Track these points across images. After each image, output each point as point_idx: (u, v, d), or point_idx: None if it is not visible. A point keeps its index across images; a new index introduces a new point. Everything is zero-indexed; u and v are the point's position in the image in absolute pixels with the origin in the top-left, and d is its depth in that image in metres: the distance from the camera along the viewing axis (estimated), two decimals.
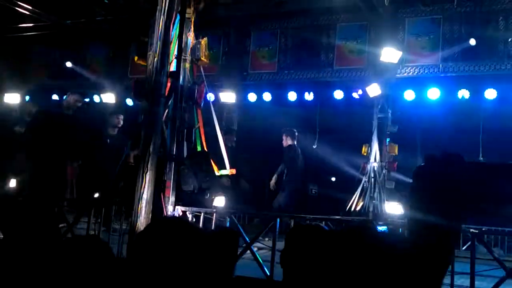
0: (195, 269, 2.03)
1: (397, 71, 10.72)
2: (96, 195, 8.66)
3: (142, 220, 6.32)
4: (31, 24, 13.68)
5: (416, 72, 10.81)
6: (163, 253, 2.09)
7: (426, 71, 10.74)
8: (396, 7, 10.75)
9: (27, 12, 12.88)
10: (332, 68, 11.56)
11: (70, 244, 2.44)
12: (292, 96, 11.68)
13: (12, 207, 3.58)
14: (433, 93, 10.44)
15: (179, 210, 6.77)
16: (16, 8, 12.55)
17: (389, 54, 10.16)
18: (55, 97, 13.98)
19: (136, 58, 7.57)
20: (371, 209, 10.09)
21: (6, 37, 14.14)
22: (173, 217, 6.17)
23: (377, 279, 1.56)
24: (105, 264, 2.43)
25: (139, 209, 6.36)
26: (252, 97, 12.06)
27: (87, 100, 12.75)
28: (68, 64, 13.82)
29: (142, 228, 5.52)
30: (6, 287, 2.70)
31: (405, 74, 10.83)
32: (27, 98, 14.47)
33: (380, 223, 7.42)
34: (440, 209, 1.92)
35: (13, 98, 14.53)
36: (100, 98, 13.28)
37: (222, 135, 8.30)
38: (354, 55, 11.39)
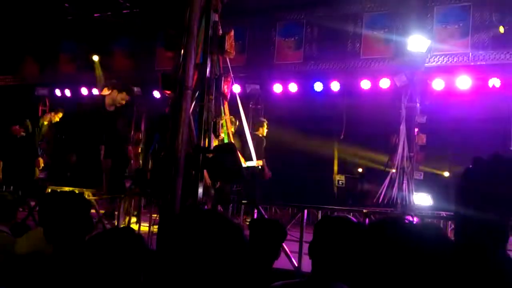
0: (227, 261, 2.04)
1: (425, 60, 10.55)
2: (127, 185, 8.79)
3: (172, 211, 6.38)
4: (59, 18, 13.92)
5: (445, 61, 10.62)
6: (195, 244, 2.10)
7: (455, 60, 10.53)
8: None
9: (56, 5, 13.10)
10: (359, 58, 11.43)
11: (105, 237, 2.49)
12: (318, 86, 11.59)
13: (49, 198, 3.68)
14: (463, 82, 10.24)
15: (206, 201, 6.83)
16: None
17: (417, 43, 10.01)
18: (84, 90, 14.19)
19: (163, 50, 7.61)
20: (399, 200, 9.99)
21: (37, 30, 14.42)
22: (206, 209, 6.22)
23: (410, 278, 1.54)
24: (139, 257, 2.47)
25: (167, 201, 6.42)
26: (277, 88, 12.03)
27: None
28: (95, 57, 13.99)
29: (171, 220, 5.58)
30: (45, 278, 2.78)
31: (434, 63, 10.65)
32: (57, 91, 14.73)
33: (411, 213, 7.34)
34: (492, 209, 1.88)
35: (43, 91, 14.85)
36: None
37: (248, 127, 8.31)
38: (381, 44, 11.24)
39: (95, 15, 13.49)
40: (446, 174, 12.18)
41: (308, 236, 6.45)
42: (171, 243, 2.20)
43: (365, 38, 11.42)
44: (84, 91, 14.19)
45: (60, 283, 2.81)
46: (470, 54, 10.39)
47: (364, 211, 6.69)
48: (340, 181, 12.26)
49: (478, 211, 1.88)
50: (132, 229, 2.77)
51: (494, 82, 10.08)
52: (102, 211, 7.70)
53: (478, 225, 1.88)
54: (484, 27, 10.31)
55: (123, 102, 8.62)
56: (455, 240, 1.99)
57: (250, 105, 12.12)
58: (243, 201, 7.28)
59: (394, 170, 10.21)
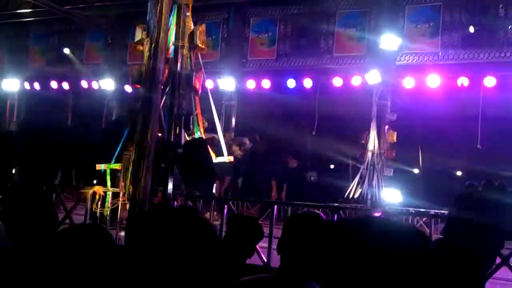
0: (197, 258, 2.02)
1: (396, 58, 10.68)
2: (94, 182, 8.65)
3: (140, 206, 6.32)
4: (29, 10, 13.61)
5: (415, 60, 10.76)
6: (163, 239, 2.07)
7: (425, 59, 10.70)
8: None
9: None
10: (331, 55, 11.50)
11: (71, 233, 2.43)
12: (291, 83, 11.62)
13: (9, 194, 3.58)
14: (433, 81, 10.40)
15: (176, 196, 6.79)
16: None
17: (389, 41, 10.12)
18: (53, 84, 13.93)
19: (133, 44, 7.53)
20: (369, 196, 10.10)
21: (5, 23, 14.07)
22: (178, 205, 6.18)
23: (379, 277, 1.53)
24: (107, 253, 2.42)
25: (136, 196, 6.37)
26: (251, 84, 12.01)
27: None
28: (66, 50, 13.75)
29: (140, 215, 5.52)
30: (7, 276, 2.70)
31: (405, 62, 10.79)
32: (26, 84, 14.43)
33: (378, 209, 7.43)
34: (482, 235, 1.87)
35: (12, 84, 14.52)
36: (99, 85, 13.23)
37: (219, 123, 8.29)
38: (353, 42, 11.34)
39: (65, 7, 13.22)
40: (416, 171, 12.36)
41: (277, 232, 6.48)
42: (140, 239, 2.17)
43: (337, 35, 11.49)
44: (54, 84, 13.92)
45: (24, 280, 2.74)
46: (440, 53, 10.55)
47: (334, 206, 6.74)
48: (311, 177, 12.33)
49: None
50: (100, 225, 2.72)
51: (463, 81, 10.25)
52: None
53: (476, 229, 1.88)
54: (454, 27, 10.48)
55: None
56: (442, 239, 1.99)
57: (223, 102, 12.05)
58: (213, 196, 7.25)
59: (364, 167, 10.30)
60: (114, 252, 2.46)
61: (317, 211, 3.07)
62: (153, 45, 6.67)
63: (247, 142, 10.67)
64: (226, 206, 7.03)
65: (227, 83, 11.77)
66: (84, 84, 13.53)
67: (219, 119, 8.41)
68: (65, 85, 13.87)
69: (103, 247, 2.38)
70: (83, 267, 2.29)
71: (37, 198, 3.37)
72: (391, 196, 10.30)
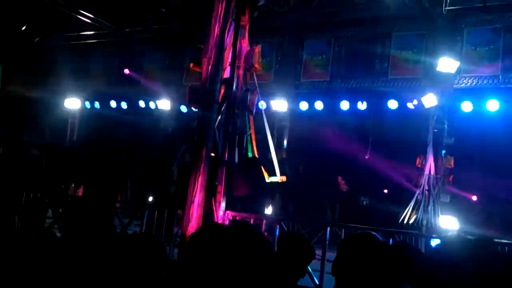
0: (253, 275, 2.02)
1: (454, 81, 10.42)
2: (150, 198, 8.85)
3: (194, 223, 6.39)
4: (91, 32, 14.24)
5: (474, 83, 10.47)
6: (218, 257, 2.08)
7: (485, 82, 10.38)
8: (454, 16, 10.45)
9: (89, 21, 13.43)
10: (386, 78, 11.36)
11: (126, 242, 2.50)
12: (344, 105, 11.53)
13: (71, 207, 3.71)
14: (492, 105, 10.07)
15: (229, 215, 6.82)
16: (78, 17, 13.10)
17: (446, 64, 9.90)
18: (112, 103, 14.42)
19: (191, 64, 7.70)
20: (424, 222, 9.81)
21: (68, 44, 14.75)
22: (238, 221, 6.21)
23: None
24: (159, 263, 2.46)
25: (190, 213, 6.45)
26: (303, 105, 12.01)
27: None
28: (126, 71, 14.22)
29: (192, 231, 5.57)
30: (64, 281, 2.79)
31: (463, 85, 10.51)
32: (87, 103, 15.02)
33: (434, 235, 7.20)
34: None
35: (73, 103, 15.15)
36: (156, 105, 13.60)
37: (273, 143, 8.31)
38: (409, 65, 11.16)
39: (126, 30, 13.74)
40: (474, 197, 11.92)
41: (330, 255, 6.38)
42: (194, 257, 2.18)
43: (393, 58, 11.36)
44: (113, 104, 14.42)
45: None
46: (500, 76, 10.23)
47: (389, 230, 6.58)
48: (364, 201, 12.11)
49: None
50: (153, 236, 2.78)
51: None
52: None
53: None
54: None
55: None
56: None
57: (276, 122, 12.10)
58: (264, 215, 7.23)
59: (420, 192, 10.03)
60: (166, 264, 2.49)
61: (373, 232, 3.01)
62: (210, 66, 6.81)
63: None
64: (278, 226, 7.00)
65: (279, 104, 11.82)
66: (141, 103, 13.94)
67: (272, 139, 8.42)
68: (124, 105, 14.34)
69: (155, 257, 2.42)
70: (137, 275, 2.34)
71: (97, 212, 3.48)
72: (448, 223, 9.95)
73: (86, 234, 3.31)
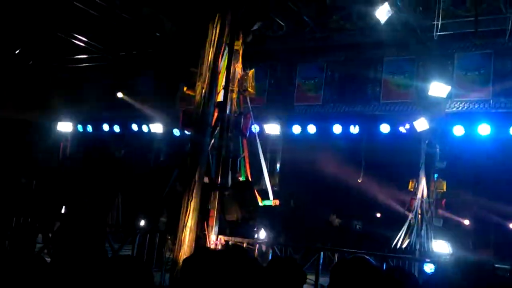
0: None
1: (445, 106, 10.51)
2: (142, 223, 8.76)
3: (186, 248, 6.33)
4: (85, 56, 14.28)
5: (465, 107, 10.56)
6: (212, 281, 2.06)
7: (476, 106, 10.48)
8: (445, 41, 10.58)
9: (83, 44, 13.48)
10: (378, 102, 11.43)
11: (114, 263, 2.46)
12: (337, 129, 11.58)
13: (61, 230, 3.65)
14: (484, 129, 10.15)
15: (221, 239, 6.76)
16: (73, 40, 13.15)
17: (438, 88, 10.00)
18: (105, 127, 14.39)
19: (185, 88, 7.73)
20: (417, 246, 9.77)
21: (62, 68, 14.77)
22: (231, 246, 6.15)
23: None
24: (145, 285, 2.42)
25: (183, 237, 6.39)
26: (296, 129, 12.04)
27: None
28: (119, 94, 14.23)
29: (185, 257, 5.51)
30: None
31: (454, 109, 10.60)
32: (79, 127, 14.97)
33: (427, 260, 7.16)
34: None
35: (65, 126, 15.10)
36: (149, 128, 13.58)
37: (266, 166, 8.30)
38: (401, 89, 11.25)
39: (120, 53, 13.79)
40: (466, 222, 11.92)
41: (323, 280, 6.32)
42: (188, 280, 2.16)
43: (385, 82, 11.45)
44: (105, 127, 14.40)
45: None
46: (491, 101, 10.33)
47: (383, 254, 6.54)
48: (357, 225, 12.07)
49: None
50: (141, 259, 2.74)
51: None
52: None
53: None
54: (506, 74, 10.27)
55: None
56: None
57: (269, 146, 12.10)
58: (257, 240, 7.18)
59: (413, 216, 10.02)
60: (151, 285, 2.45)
61: (366, 257, 2.99)
62: (203, 89, 6.83)
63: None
64: (271, 251, 6.94)
65: (273, 128, 11.85)
66: (134, 127, 13.92)
67: (265, 162, 8.42)
68: (116, 128, 14.32)
69: (143, 281, 2.38)
70: None
71: (88, 236, 3.44)
72: (441, 247, 9.93)
73: (76, 258, 3.26)
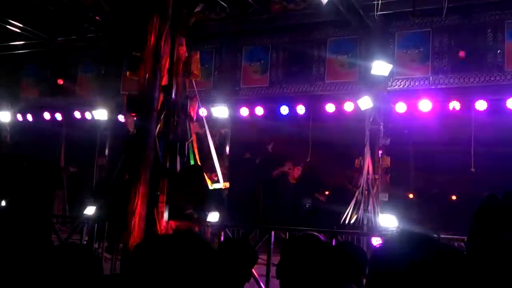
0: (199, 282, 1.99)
1: (388, 84, 10.79)
2: (90, 212, 8.57)
3: (136, 235, 6.26)
4: (22, 42, 13.71)
5: (406, 85, 10.88)
6: (163, 266, 2.05)
7: (416, 84, 10.81)
8: (386, 21, 10.84)
9: (18, 30, 12.92)
10: (323, 82, 11.61)
11: (61, 251, 2.40)
12: (284, 110, 11.68)
13: (3, 219, 3.52)
14: (424, 105, 10.49)
15: (172, 224, 6.73)
16: (7, 26, 12.58)
17: (380, 67, 10.24)
18: (46, 115, 13.92)
19: (128, 73, 7.57)
20: (365, 221, 10.07)
21: None
22: (182, 229, 6.12)
23: None
24: (94, 276, 2.38)
25: (132, 224, 6.31)
26: (244, 111, 12.06)
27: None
28: (60, 81, 13.79)
29: (135, 243, 5.45)
30: None
31: (396, 87, 10.90)
32: (19, 116, 14.41)
33: (375, 234, 7.39)
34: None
35: (4, 116, 14.50)
36: (92, 115, 13.24)
37: (215, 150, 8.29)
38: (345, 69, 11.46)
39: (59, 39, 13.32)
40: (411, 195, 12.37)
41: (275, 259, 6.41)
42: (139, 267, 2.13)
43: (329, 62, 11.62)
44: (46, 116, 13.93)
45: None
46: (431, 78, 10.68)
47: (332, 231, 6.70)
48: (307, 204, 12.29)
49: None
50: (89, 248, 2.69)
51: (454, 105, 10.34)
52: None
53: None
54: (443, 52, 10.63)
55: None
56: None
57: (217, 129, 12.07)
58: (208, 223, 7.19)
59: (360, 192, 10.29)
60: (102, 278, 2.41)
61: (316, 233, 3.04)
62: (147, 74, 6.71)
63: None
64: (222, 233, 6.98)
65: (220, 111, 11.82)
66: (77, 114, 13.53)
67: (214, 145, 8.40)
68: (58, 116, 13.88)
69: (90, 268, 2.34)
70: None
71: (32, 228, 3.33)
72: (387, 221, 10.26)
73: (20, 252, 3.16)
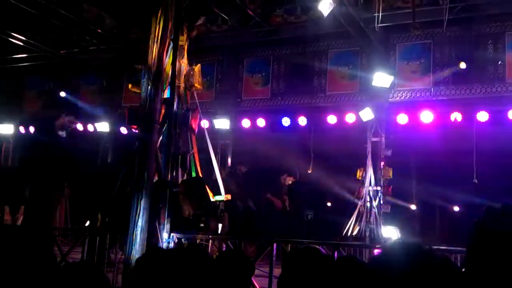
0: None
1: (389, 95, 10.82)
2: (90, 223, 8.57)
3: (138, 248, 6.24)
4: (24, 55, 13.78)
5: (408, 96, 10.91)
6: (165, 280, 2.04)
7: (418, 95, 10.84)
8: (387, 33, 10.88)
9: (21, 43, 12.99)
10: (324, 94, 11.64)
11: (65, 271, 2.40)
12: (285, 121, 11.70)
13: (8, 235, 3.51)
14: (426, 117, 10.50)
15: (174, 237, 6.71)
16: (10, 39, 12.65)
17: (381, 78, 10.26)
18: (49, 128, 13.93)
19: (130, 85, 7.60)
20: (367, 233, 10.03)
21: (0, 68, 14.20)
22: (184, 244, 6.10)
23: None
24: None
25: (134, 237, 6.30)
26: (246, 123, 12.07)
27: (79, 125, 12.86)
28: (62, 93, 13.84)
29: (137, 256, 5.44)
30: None
31: (397, 98, 10.93)
32: (21, 128, 14.44)
33: (377, 246, 7.36)
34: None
35: (6, 128, 14.53)
36: (94, 127, 13.27)
37: (217, 161, 8.28)
38: (346, 80, 11.49)
39: (61, 52, 13.39)
40: (413, 207, 12.32)
41: (278, 271, 6.38)
42: (140, 281, 2.13)
43: (330, 74, 11.66)
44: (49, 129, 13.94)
45: None
46: (432, 89, 10.71)
47: (334, 243, 6.67)
48: (308, 215, 12.23)
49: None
50: (93, 262, 2.69)
51: (456, 116, 10.35)
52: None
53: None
54: (444, 63, 10.67)
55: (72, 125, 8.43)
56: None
57: (219, 141, 12.08)
58: (211, 236, 7.17)
59: (362, 204, 10.27)
60: None
61: (317, 246, 3.03)
62: (149, 86, 6.73)
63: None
64: (224, 246, 6.95)
65: (222, 123, 11.83)
66: (79, 127, 13.56)
67: (215, 157, 8.40)
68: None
69: (95, 284, 2.34)
70: None
71: (35, 241, 3.32)
72: (389, 233, 10.22)
73: (21, 266, 3.15)
